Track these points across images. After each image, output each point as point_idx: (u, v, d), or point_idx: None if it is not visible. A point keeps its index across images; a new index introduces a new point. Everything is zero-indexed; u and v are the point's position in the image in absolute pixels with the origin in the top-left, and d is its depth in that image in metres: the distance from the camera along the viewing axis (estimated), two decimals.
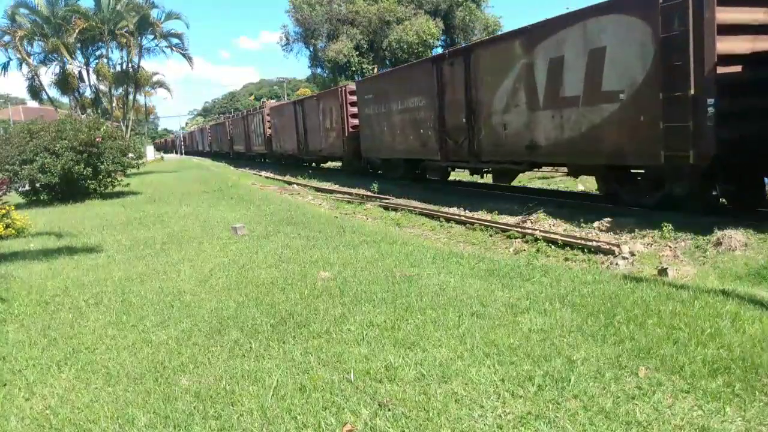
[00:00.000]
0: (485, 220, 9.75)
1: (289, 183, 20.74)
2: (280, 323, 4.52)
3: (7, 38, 30.67)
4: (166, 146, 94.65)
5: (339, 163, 24.22)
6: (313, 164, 26.39)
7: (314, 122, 22.40)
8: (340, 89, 20.02)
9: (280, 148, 28.24)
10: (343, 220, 10.71)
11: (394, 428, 2.88)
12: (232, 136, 41.73)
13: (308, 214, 11.39)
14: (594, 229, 8.41)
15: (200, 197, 15.69)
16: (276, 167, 29.27)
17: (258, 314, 4.77)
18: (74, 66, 34.13)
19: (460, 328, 4.16)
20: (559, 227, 8.84)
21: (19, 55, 31.03)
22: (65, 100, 38.58)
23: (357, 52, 42.33)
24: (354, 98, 18.81)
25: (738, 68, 7.40)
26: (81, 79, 35.06)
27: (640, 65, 8.07)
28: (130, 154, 19.37)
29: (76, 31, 30.37)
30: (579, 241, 7.64)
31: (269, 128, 30.08)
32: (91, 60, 35.30)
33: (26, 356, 4.20)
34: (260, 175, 25.85)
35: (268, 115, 30.35)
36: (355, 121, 18.84)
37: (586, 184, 13.31)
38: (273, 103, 35.86)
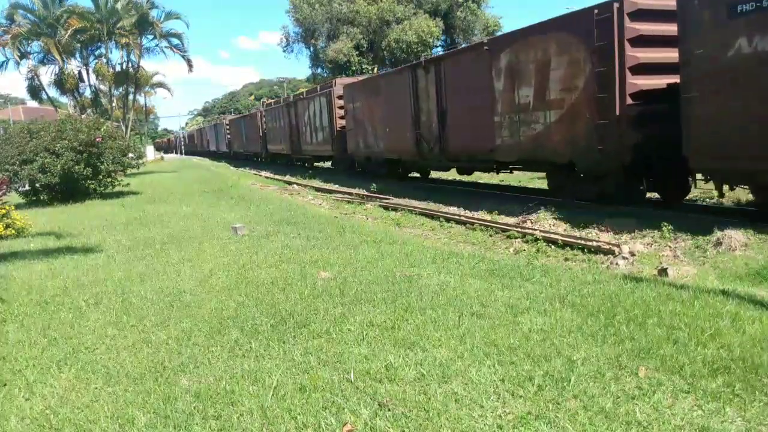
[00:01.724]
0: (485, 220, 9.75)
1: (289, 183, 20.74)
2: (280, 323, 4.52)
3: (5, 37, 30.69)
4: (167, 146, 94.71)
5: (540, 178, 12.58)
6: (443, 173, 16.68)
7: (468, 95, 12.25)
8: (586, 13, 8.88)
9: (365, 148, 18.09)
10: (343, 220, 10.71)
11: (394, 428, 2.89)
12: (267, 132, 30.95)
13: (308, 214, 11.39)
14: (594, 229, 8.42)
15: (200, 197, 15.69)
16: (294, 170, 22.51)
17: (258, 314, 4.77)
18: (73, 66, 34.21)
19: (460, 328, 4.16)
20: (559, 227, 8.84)
21: (16, 54, 31.05)
22: (65, 100, 38.63)
23: (357, 52, 42.35)
24: (656, 27, 8.34)
25: None
26: (81, 79, 35.11)
27: None
28: (130, 154, 19.40)
29: (69, 31, 30.30)
30: (579, 241, 7.64)
31: (341, 117, 20.00)
32: (90, 60, 35.39)
33: (26, 356, 4.20)
34: (260, 175, 25.86)
35: (339, 97, 20.02)
36: (650, 81, 8.44)
37: None
38: (348, 79, 23.45)
